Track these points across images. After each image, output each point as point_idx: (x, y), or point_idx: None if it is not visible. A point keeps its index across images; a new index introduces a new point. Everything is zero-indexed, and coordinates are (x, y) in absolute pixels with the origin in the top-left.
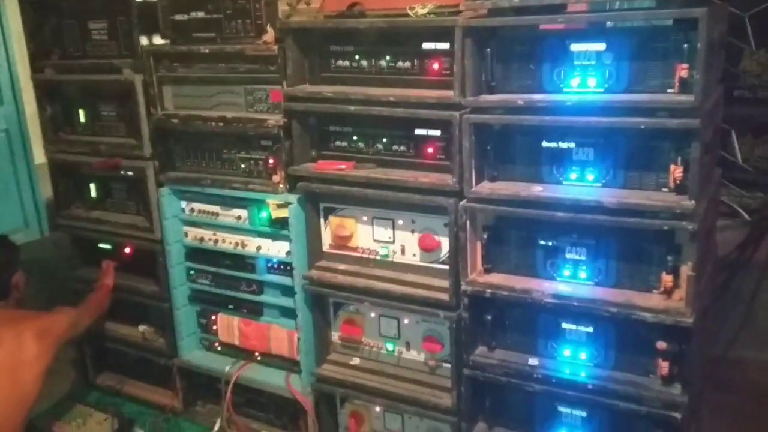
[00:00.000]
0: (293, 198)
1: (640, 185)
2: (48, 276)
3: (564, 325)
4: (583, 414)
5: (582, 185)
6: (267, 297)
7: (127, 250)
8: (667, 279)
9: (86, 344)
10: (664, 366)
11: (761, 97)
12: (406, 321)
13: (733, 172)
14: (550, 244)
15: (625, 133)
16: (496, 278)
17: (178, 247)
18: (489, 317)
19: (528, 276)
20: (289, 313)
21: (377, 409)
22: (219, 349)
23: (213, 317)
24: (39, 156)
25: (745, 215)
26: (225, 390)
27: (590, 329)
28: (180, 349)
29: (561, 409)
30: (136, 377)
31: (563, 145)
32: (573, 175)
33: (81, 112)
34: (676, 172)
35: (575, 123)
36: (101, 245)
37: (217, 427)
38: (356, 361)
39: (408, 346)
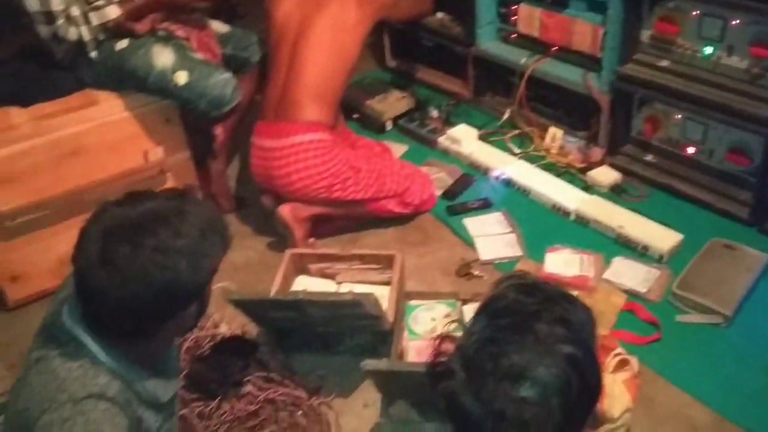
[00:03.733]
0: None
1: None
2: None
3: None
4: None
5: None
6: None
7: None
8: None
9: (385, 30)
10: None
11: None
12: (734, 22)
13: None
14: None
15: None
16: None
17: None
18: None
19: None
20: (596, 6)
21: (678, 116)
22: (516, 40)
23: (514, 7)
24: None
25: None
26: (518, 82)
27: None
28: (477, 37)
29: None
30: (429, 65)
31: None
32: None
33: None
34: None
35: None
36: None
37: (506, 116)
38: (665, 63)
39: (730, 50)
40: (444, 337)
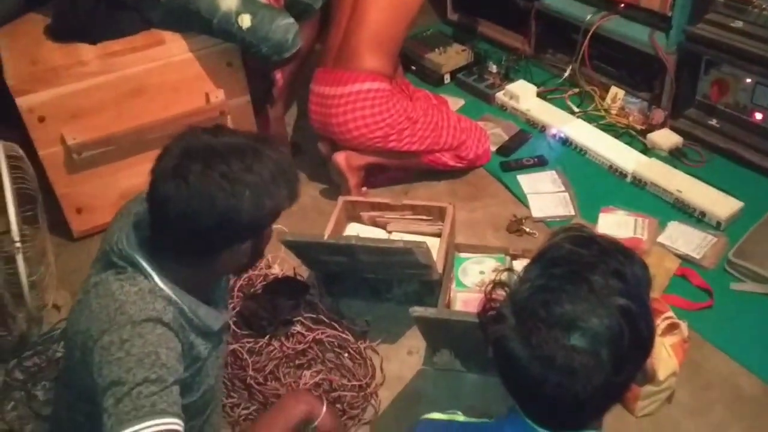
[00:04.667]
0: None
1: None
2: None
3: None
4: None
5: None
6: None
7: None
8: None
9: None
10: None
11: None
12: None
13: None
14: None
15: None
16: None
17: None
18: None
19: None
20: None
21: (748, 80)
22: None
23: None
24: None
25: None
26: (582, 40)
27: None
28: None
29: None
30: (491, 19)
31: None
32: None
33: None
34: None
35: None
36: None
37: (566, 74)
38: (738, 24)
39: None
40: (496, 284)
